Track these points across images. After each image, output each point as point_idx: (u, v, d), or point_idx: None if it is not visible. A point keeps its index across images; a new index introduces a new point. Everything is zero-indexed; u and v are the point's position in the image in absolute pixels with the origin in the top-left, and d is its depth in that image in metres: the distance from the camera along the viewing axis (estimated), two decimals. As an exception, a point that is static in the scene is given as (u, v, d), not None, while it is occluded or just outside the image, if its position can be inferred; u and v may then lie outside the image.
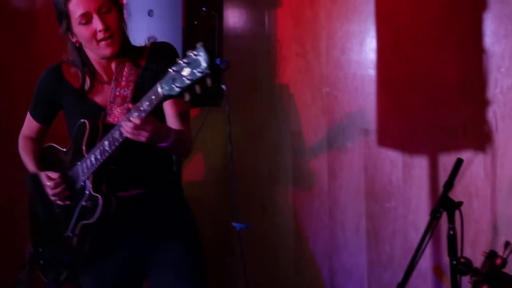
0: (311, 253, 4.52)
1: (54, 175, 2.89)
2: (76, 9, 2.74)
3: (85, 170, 2.79)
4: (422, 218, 3.99)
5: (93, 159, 2.75)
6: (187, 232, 2.96)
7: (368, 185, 4.21)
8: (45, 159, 3.08)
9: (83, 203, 2.81)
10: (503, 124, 3.68)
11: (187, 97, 2.40)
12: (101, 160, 2.73)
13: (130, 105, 2.63)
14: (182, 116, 2.80)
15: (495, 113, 3.70)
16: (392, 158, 4.11)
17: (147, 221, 2.89)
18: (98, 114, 2.81)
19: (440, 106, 3.92)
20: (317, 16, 4.37)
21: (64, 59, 2.92)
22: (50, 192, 2.88)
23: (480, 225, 3.76)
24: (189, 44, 3.76)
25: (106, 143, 2.70)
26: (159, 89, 2.46)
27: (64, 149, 3.00)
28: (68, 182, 2.88)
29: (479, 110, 3.75)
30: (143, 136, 2.56)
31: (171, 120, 2.81)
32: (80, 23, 2.76)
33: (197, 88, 2.37)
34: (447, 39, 3.89)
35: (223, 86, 3.88)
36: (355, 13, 4.21)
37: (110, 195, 2.78)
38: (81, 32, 2.77)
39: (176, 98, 2.47)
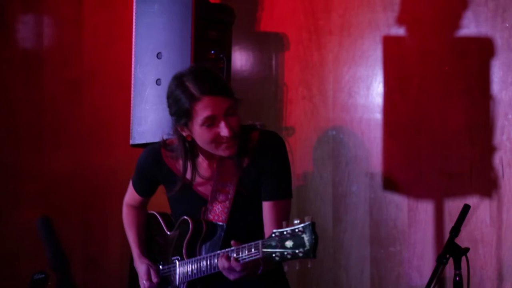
0: (315, 296, 4.49)
1: (154, 277, 2.89)
2: (203, 111, 2.63)
3: (181, 276, 2.80)
4: (427, 263, 3.98)
5: (190, 270, 2.75)
6: None
7: (373, 229, 4.20)
8: (148, 226, 3.08)
9: None
10: (510, 170, 3.70)
11: (285, 267, 2.43)
12: (197, 275, 2.72)
13: (232, 242, 2.56)
14: (278, 218, 2.70)
15: (502, 160, 3.72)
16: (398, 202, 4.11)
17: None
18: (200, 206, 2.78)
19: (446, 151, 3.93)
20: (324, 59, 4.40)
21: (162, 142, 2.85)
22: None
23: (485, 271, 3.74)
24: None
25: (204, 264, 2.69)
26: (261, 248, 2.42)
27: (167, 232, 2.96)
28: (162, 275, 2.91)
29: (485, 156, 3.76)
30: (233, 276, 2.56)
31: (267, 219, 2.72)
32: (203, 125, 2.64)
33: (297, 265, 2.40)
34: (454, 85, 3.92)
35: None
36: (363, 58, 4.24)
37: None
38: (202, 133, 2.66)
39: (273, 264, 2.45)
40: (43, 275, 3.27)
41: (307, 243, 2.32)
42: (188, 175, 2.80)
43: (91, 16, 4.86)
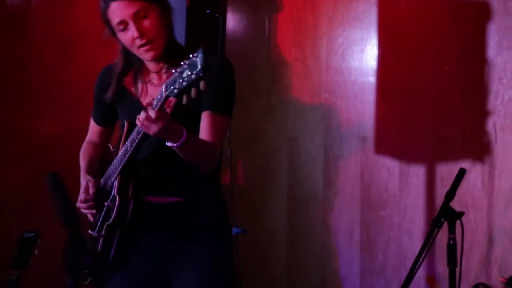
0: (304, 259, 4.50)
1: (91, 189, 2.85)
2: (113, 16, 2.71)
3: (114, 171, 2.77)
4: (417, 226, 3.99)
5: (119, 158, 2.74)
6: (217, 249, 2.84)
7: (363, 192, 4.20)
8: (103, 160, 3.03)
9: (107, 203, 2.79)
10: (503, 135, 3.69)
11: (184, 99, 2.40)
12: (124, 160, 2.70)
13: (145, 104, 2.63)
14: (212, 129, 2.71)
15: (495, 124, 3.71)
16: (389, 166, 4.10)
17: (179, 233, 2.80)
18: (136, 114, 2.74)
19: (439, 115, 3.93)
20: (318, 21, 4.37)
21: (115, 61, 2.89)
22: (78, 203, 2.85)
23: (475, 236, 3.76)
24: (191, 46, 3.74)
25: (128, 141, 2.68)
26: (163, 89, 2.46)
27: (112, 149, 2.96)
28: (102, 187, 2.86)
29: (479, 121, 3.75)
30: (152, 129, 2.52)
31: (202, 130, 2.73)
32: (119, 30, 2.72)
33: (193, 91, 2.37)
34: (449, 49, 3.90)
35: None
36: (357, 20, 4.21)
37: (131, 199, 2.73)
38: (121, 38, 2.74)
39: (176, 98, 2.44)
40: (33, 234, 3.25)
41: (198, 65, 2.33)
42: (135, 88, 2.84)
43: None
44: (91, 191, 2.86)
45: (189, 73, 2.36)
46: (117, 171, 2.75)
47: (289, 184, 4.58)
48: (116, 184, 2.75)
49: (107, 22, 2.75)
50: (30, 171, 4.58)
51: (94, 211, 2.85)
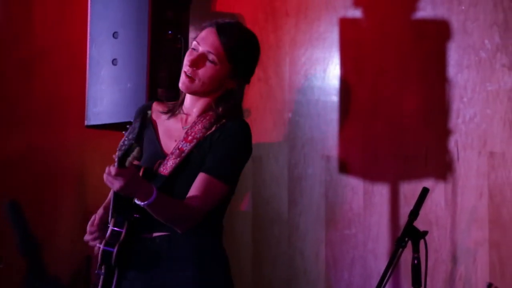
0: (270, 280, 4.48)
1: (96, 221, 2.80)
2: (199, 36, 2.72)
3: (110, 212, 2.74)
4: (382, 245, 4.00)
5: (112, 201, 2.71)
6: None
7: (328, 212, 4.21)
8: None
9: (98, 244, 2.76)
10: (465, 154, 3.72)
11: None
12: (112, 202, 2.68)
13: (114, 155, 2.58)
14: (201, 191, 2.64)
15: (457, 143, 3.74)
16: (353, 185, 4.11)
17: (166, 263, 2.73)
18: (158, 159, 2.74)
19: (402, 134, 3.95)
20: (281, 41, 4.38)
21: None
22: (85, 236, 2.81)
23: (439, 254, 3.77)
24: (154, 67, 3.73)
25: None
26: (121, 142, 2.50)
27: None
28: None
29: (441, 139, 3.78)
30: (114, 186, 2.50)
31: (191, 189, 2.67)
32: (190, 48, 2.73)
33: (131, 157, 2.45)
34: (410, 68, 3.93)
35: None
36: (319, 40, 4.23)
37: (115, 245, 2.68)
38: (187, 54, 2.73)
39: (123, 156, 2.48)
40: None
41: (136, 131, 2.44)
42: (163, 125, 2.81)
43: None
44: (96, 222, 2.80)
45: (130, 137, 2.44)
46: (110, 212, 2.71)
47: (254, 204, 4.57)
48: (110, 226, 2.70)
49: (195, 37, 2.75)
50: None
51: (97, 244, 2.75)
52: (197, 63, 2.68)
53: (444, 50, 3.75)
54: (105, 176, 2.51)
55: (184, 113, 2.79)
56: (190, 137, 2.72)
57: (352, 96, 4.13)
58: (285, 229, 4.40)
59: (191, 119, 2.77)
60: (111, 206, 2.70)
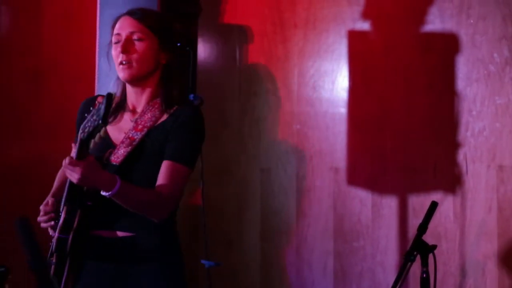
0: (278, 291, 4.48)
1: (51, 202, 2.79)
2: (115, 28, 2.78)
3: (63, 198, 2.74)
4: (390, 258, 4.00)
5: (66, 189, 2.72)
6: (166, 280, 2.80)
7: (336, 223, 4.20)
8: None
9: (53, 233, 2.75)
10: (473, 167, 3.72)
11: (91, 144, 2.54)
12: (65, 193, 2.68)
13: (72, 144, 2.63)
14: (168, 177, 2.69)
15: (466, 156, 3.74)
16: (362, 197, 4.11)
17: (128, 263, 2.77)
18: (107, 149, 2.75)
19: (410, 147, 3.95)
20: (289, 53, 4.38)
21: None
22: (38, 218, 2.79)
23: (448, 267, 3.77)
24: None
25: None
26: (80, 132, 2.53)
27: None
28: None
29: (449, 152, 3.78)
30: (73, 177, 2.53)
31: (159, 177, 2.71)
32: (113, 43, 2.78)
33: (97, 137, 2.50)
34: (419, 81, 3.93)
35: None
36: (328, 52, 4.23)
37: (70, 232, 2.69)
38: (112, 51, 2.79)
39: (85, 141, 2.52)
40: (3, 268, 3.21)
41: (101, 111, 2.44)
42: (111, 117, 2.82)
43: (50, 5, 4.77)
44: (51, 203, 2.80)
45: (95, 117, 2.45)
46: (63, 200, 2.72)
47: (262, 215, 4.57)
48: (63, 214, 2.71)
49: (111, 34, 2.80)
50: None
51: (52, 223, 2.77)
52: (126, 48, 2.74)
53: (452, 63, 3.75)
54: (64, 167, 2.53)
55: (129, 107, 2.82)
56: (140, 126, 2.75)
57: (360, 108, 4.13)
58: (293, 241, 4.40)
59: (140, 109, 2.81)
60: (64, 195, 2.70)
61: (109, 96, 2.46)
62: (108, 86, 3.76)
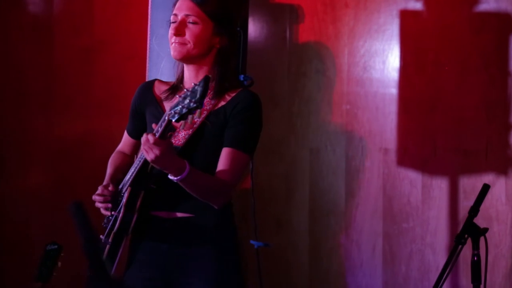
0: (326, 271, 4.48)
1: (111, 187, 2.86)
2: (174, 9, 2.82)
3: (127, 181, 2.81)
4: (440, 240, 3.97)
5: (131, 170, 2.78)
6: (223, 262, 2.84)
7: (386, 205, 4.19)
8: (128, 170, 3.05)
9: (115, 213, 2.82)
10: (526, 148, 3.67)
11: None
12: (134, 173, 2.75)
13: (153, 125, 2.63)
14: (229, 166, 2.73)
15: (519, 137, 3.69)
16: (411, 178, 4.08)
17: (184, 245, 2.81)
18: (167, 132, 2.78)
19: (462, 128, 3.91)
20: (340, 33, 4.35)
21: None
22: (94, 195, 2.86)
23: (499, 250, 3.74)
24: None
25: (139, 154, 2.73)
26: (167, 112, 2.52)
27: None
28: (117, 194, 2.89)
29: (502, 134, 3.73)
30: (149, 155, 2.54)
31: (219, 164, 2.75)
32: (171, 22, 2.82)
33: (190, 118, 2.48)
34: (471, 61, 3.88)
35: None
36: (379, 32, 4.20)
37: (135, 212, 2.76)
38: (169, 31, 2.82)
39: (176, 122, 2.51)
40: (56, 246, 3.26)
41: (198, 94, 2.42)
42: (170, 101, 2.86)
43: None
44: (110, 188, 2.87)
45: (189, 100, 2.43)
46: (128, 183, 2.79)
47: (311, 195, 4.57)
48: (126, 195, 2.78)
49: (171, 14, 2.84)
50: (50, 177, 4.64)
51: (109, 205, 2.85)
52: (180, 30, 2.77)
53: (506, 43, 3.70)
54: (142, 143, 2.55)
55: (186, 88, 2.81)
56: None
57: (411, 88, 4.10)
58: (341, 221, 4.40)
59: None
60: (131, 177, 2.76)
61: (207, 79, 2.45)
62: (159, 67, 3.80)
